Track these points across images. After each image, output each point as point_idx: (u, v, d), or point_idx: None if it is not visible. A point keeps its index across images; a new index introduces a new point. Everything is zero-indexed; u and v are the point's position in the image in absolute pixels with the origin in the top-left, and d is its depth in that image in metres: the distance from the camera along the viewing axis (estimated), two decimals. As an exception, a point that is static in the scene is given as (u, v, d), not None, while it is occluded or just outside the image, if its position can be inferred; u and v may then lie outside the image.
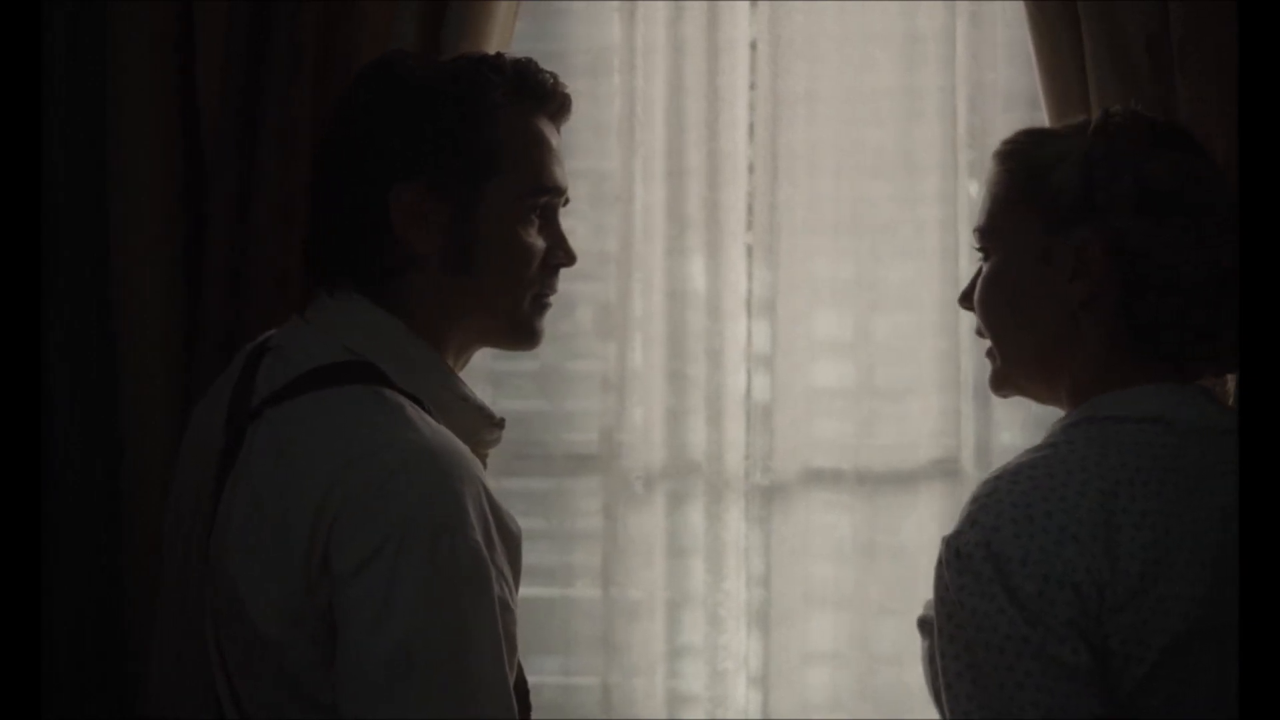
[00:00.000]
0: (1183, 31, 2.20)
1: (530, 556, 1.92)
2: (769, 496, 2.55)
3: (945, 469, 2.50)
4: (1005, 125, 2.34)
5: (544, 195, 1.97)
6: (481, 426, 1.96)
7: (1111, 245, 1.85)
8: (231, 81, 2.36)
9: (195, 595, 1.89)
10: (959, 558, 1.75)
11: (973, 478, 2.43)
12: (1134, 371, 1.86)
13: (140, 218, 2.38)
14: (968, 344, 2.45)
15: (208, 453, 1.90)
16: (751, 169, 2.56)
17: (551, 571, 2.61)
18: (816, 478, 2.54)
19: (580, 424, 2.62)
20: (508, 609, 1.79)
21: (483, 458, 1.94)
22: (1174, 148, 1.90)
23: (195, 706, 1.92)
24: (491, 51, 2.11)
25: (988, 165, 1.98)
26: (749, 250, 2.57)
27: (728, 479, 2.56)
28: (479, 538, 1.76)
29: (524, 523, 1.88)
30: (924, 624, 1.89)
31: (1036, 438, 1.92)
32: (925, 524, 2.50)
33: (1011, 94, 2.49)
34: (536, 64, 1.98)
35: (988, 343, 1.98)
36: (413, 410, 1.82)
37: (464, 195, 1.91)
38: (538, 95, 1.98)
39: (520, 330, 2.00)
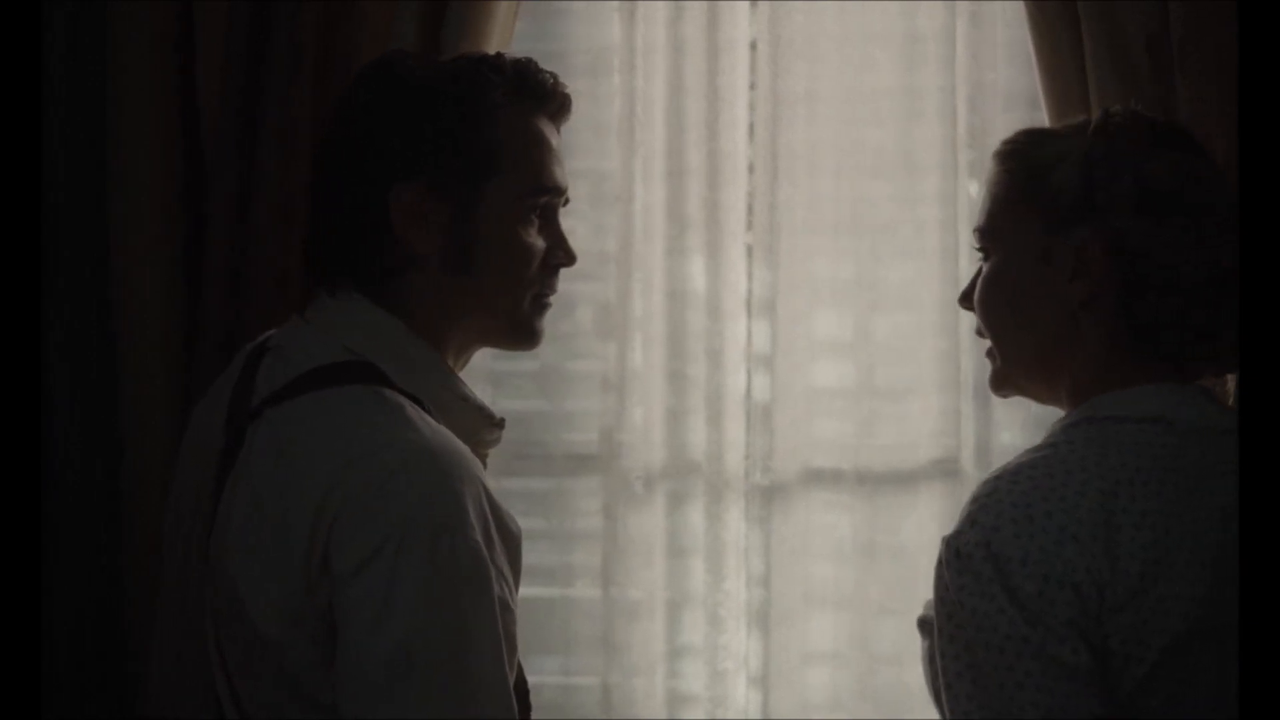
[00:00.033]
0: (1183, 31, 2.20)
1: (530, 556, 1.92)
2: (769, 496, 2.55)
3: (945, 469, 2.50)
4: (1005, 125, 2.34)
5: (544, 195, 1.97)
6: (481, 426, 1.96)
7: (1111, 245, 1.85)
8: (231, 81, 2.36)
9: (195, 595, 1.89)
10: (959, 558, 1.75)
11: (973, 478, 2.43)
12: (1134, 371, 1.86)
13: (140, 218, 2.38)
14: (968, 344, 2.45)
15: (208, 453, 1.90)
16: (751, 169, 2.56)
17: (551, 571, 2.61)
18: (816, 478, 2.54)
19: (580, 424, 2.62)
20: (508, 609, 1.79)
21: (483, 458, 1.94)
22: (1174, 148, 1.90)
23: (195, 706, 1.92)
24: (491, 51, 2.11)
25: (987, 165, 1.99)
26: (749, 250, 2.57)
27: (728, 479, 2.56)
28: (479, 538, 1.76)
29: (524, 523, 1.88)
30: (924, 624, 1.89)
31: (1036, 438, 1.92)
32: (925, 524, 2.50)
33: (1011, 94, 2.49)
34: (536, 64, 1.98)
35: (987, 343, 1.98)
36: (413, 410, 1.82)
37: (464, 195, 1.91)
38: (538, 95, 1.98)
39: (520, 330, 1.99)
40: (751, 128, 2.56)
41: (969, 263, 2.32)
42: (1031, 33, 2.31)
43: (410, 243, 1.90)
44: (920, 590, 1.91)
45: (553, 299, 2.02)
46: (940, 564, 1.78)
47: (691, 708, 2.59)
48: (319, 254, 1.97)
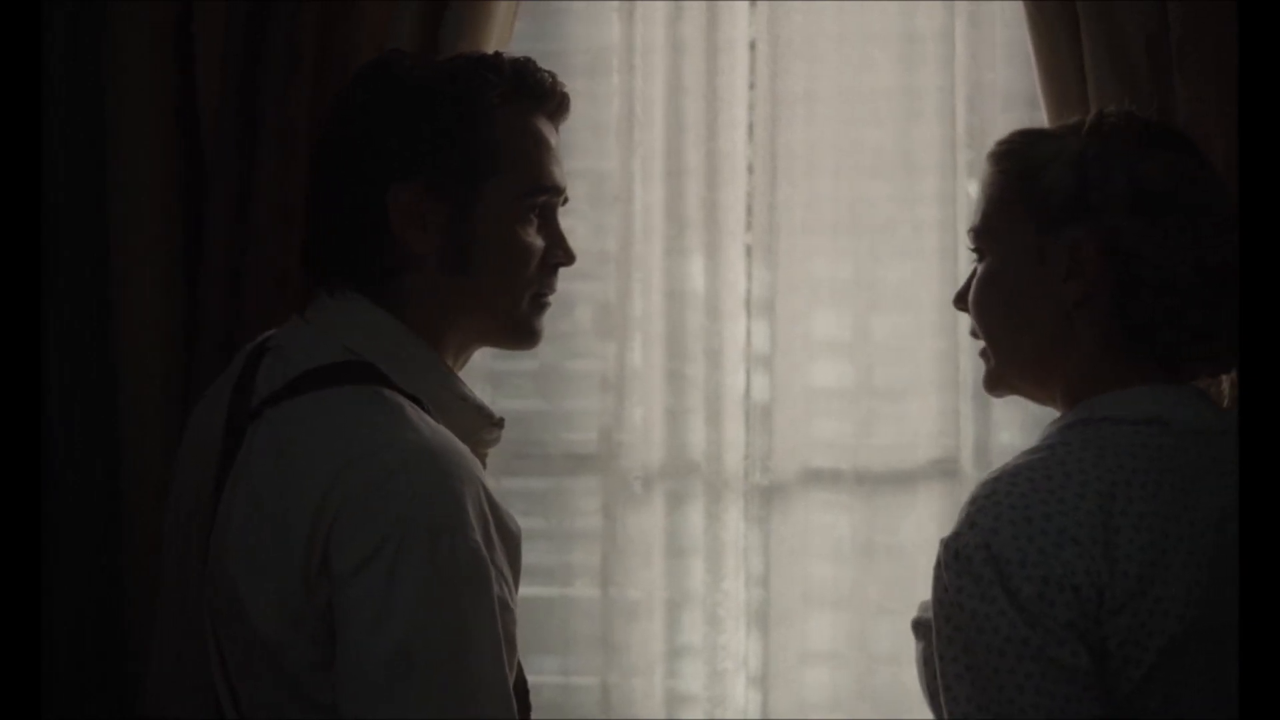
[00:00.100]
0: (1181, 31, 2.20)
1: (529, 556, 1.92)
2: (768, 496, 2.55)
3: (944, 469, 2.50)
4: (1004, 125, 2.34)
5: (542, 195, 1.97)
6: (481, 426, 1.96)
7: (1105, 245, 1.84)
8: (230, 82, 2.36)
9: (195, 595, 1.89)
10: (958, 560, 1.75)
11: (972, 478, 2.43)
12: (1129, 372, 1.86)
13: (140, 218, 2.38)
14: (966, 344, 2.44)
15: (207, 453, 1.90)
16: (750, 169, 2.56)
17: (550, 571, 2.61)
18: (815, 478, 2.54)
19: (579, 424, 2.62)
20: (507, 609, 1.79)
21: (482, 457, 1.94)
22: (1168, 148, 1.90)
23: (194, 707, 1.92)
24: (490, 51, 2.11)
25: (983, 165, 1.98)
26: (748, 250, 2.57)
27: (727, 479, 2.56)
28: (478, 538, 1.76)
29: (523, 522, 1.88)
30: (918, 626, 1.89)
31: (1035, 438, 1.92)
32: (924, 524, 2.50)
33: (1010, 94, 2.49)
34: (535, 63, 1.98)
35: (982, 343, 1.98)
36: (412, 410, 1.82)
37: (462, 195, 1.91)
38: (536, 95, 1.98)
39: (519, 330, 2.00)
40: (750, 128, 2.56)
41: (968, 263, 2.31)
42: (1030, 33, 2.31)
43: (409, 243, 1.90)
44: (919, 590, 1.91)
45: (552, 298, 2.02)
46: (939, 566, 1.78)
47: (690, 708, 2.59)
48: (318, 254, 1.97)
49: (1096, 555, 1.72)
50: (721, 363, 2.56)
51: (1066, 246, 1.86)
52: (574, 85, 2.06)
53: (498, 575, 1.78)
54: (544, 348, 2.11)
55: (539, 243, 1.97)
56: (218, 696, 1.86)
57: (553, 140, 1.99)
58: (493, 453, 2.03)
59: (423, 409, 1.85)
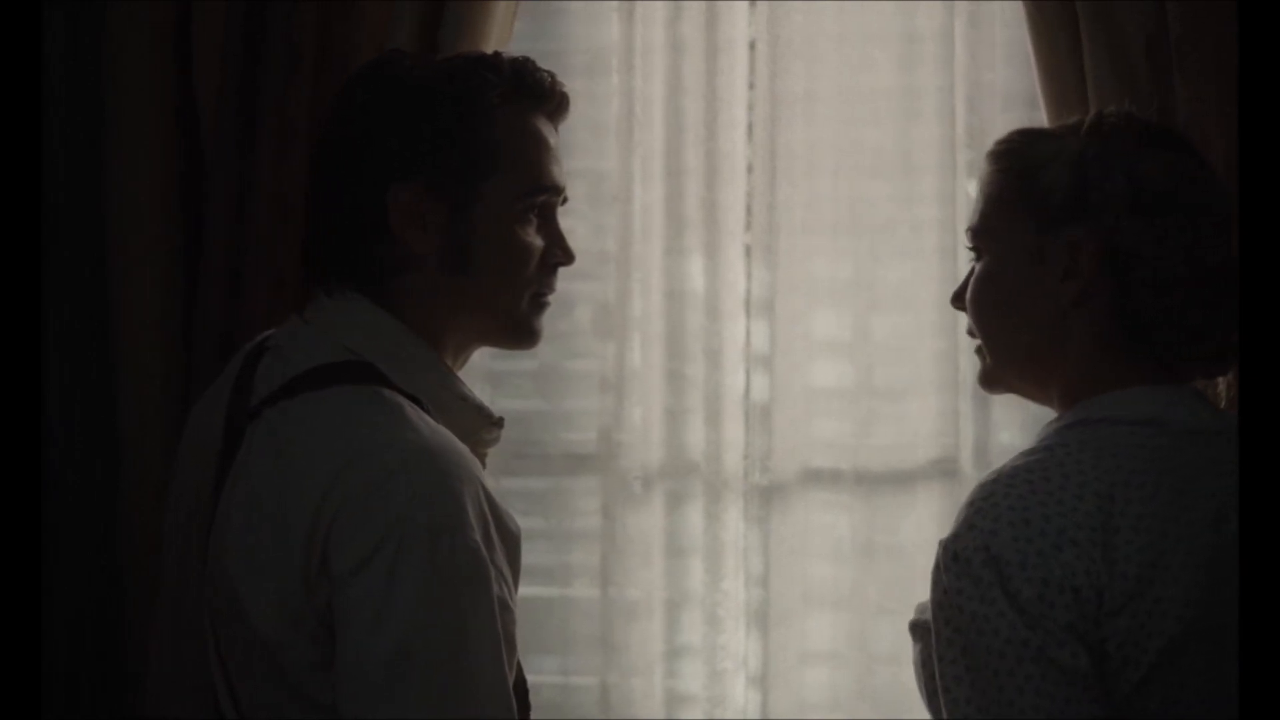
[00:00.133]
0: (1181, 31, 2.20)
1: (529, 556, 1.92)
2: (767, 496, 2.55)
3: (944, 469, 2.50)
4: (1004, 125, 2.34)
5: (542, 194, 1.96)
6: (480, 426, 1.96)
7: (1104, 244, 1.84)
8: (229, 82, 2.36)
9: (194, 595, 1.89)
10: (957, 561, 1.74)
11: (971, 478, 2.43)
12: (1126, 372, 1.86)
13: (139, 218, 2.38)
14: (966, 344, 2.42)
15: (207, 453, 1.90)
16: (750, 169, 2.56)
17: (550, 571, 2.61)
18: (815, 478, 2.54)
19: (579, 423, 2.62)
20: (507, 609, 1.79)
21: (482, 457, 1.94)
22: (1167, 148, 1.90)
23: (194, 706, 1.92)
24: (489, 51, 2.11)
25: (982, 164, 1.98)
26: (747, 250, 2.57)
27: (726, 479, 2.56)
28: (478, 538, 1.76)
29: (523, 522, 1.88)
30: (916, 628, 1.89)
31: (1035, 438, 1.92)
32: (924, 524, 2.50)
33: (1010, 94, 2.49)
34: (534, 63, 1.98)
35: (977, 341, 1.98)
36: (412, 410, 1.82)
37: (461, 195, 1.91)
38: (535, 94, 1.97)
39: (519, 329, 1.99)
40: (750, 128, 2.56)
41: (967, 263, 2.31)
42: (1030, 33, 2.31)
43: (408, 243, 1.90)
44: (919, 590, 1.91)
45: (551, 298, 2.02)
46: (938, 568, 1.77)
47: (690, 708, 2.59)
48: (317, 254, 1.96)
49: (1096, 557, 1.72)
50: (721, 363, 2.56)
51: (1065, 246, 1.86)
52: (573, 85, 2.05)
53: (497, 575, 1.77)
54: (543, 347, 2.11)
55: (538, 242, 1.96)
56: (217, 696, 1.86)
57: (552, 140, 1.99)
58: (492, 453, 2.02)
59: (422, 409, 1.85)
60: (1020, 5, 2.32)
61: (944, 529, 1.81)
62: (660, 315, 2.57)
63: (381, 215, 1.89)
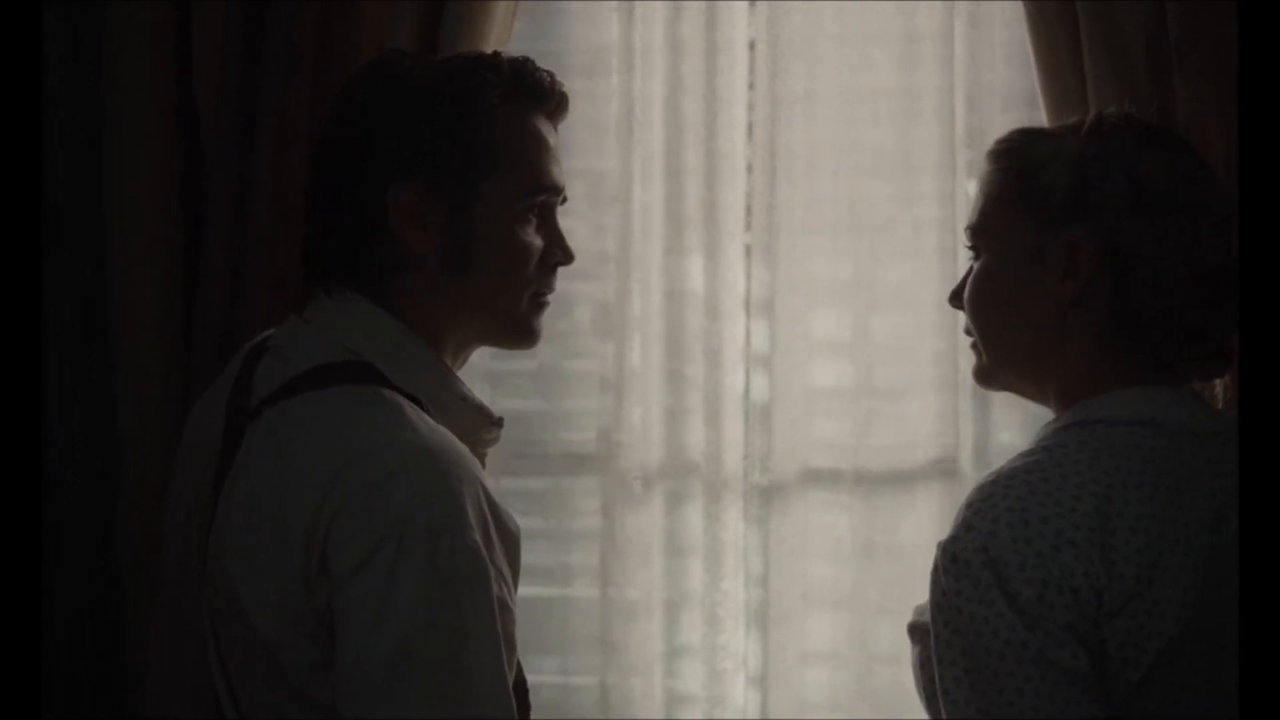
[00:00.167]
0: (1181, 32, 2.20)
1: (528, 556, 1.92)
2: (767, 496, 2.55)
3: (944, 469, 2.50)
4: (1003, 125, 2.34)
5: (541, 194, 1.96)
6: (480, 426, 1.96)
7: (1104, 244, 1.84)
8: (229, 82, 2.37)
9: (194, 595, 1.89)
10: (956, 563, 1.74)
11: (971, 478, 2.43)
12: (1124, 372, 1.86)
13: (139, 218, 2.38)
14: (966, 344, 2.41)
15: (207, 452, 1.90)
16: (750, 169, 2.56)
17: (550, 571, 2.61)
18: (815, 478, 2.54)
19: (578, 423, 2.62)
20: (506, 609, 1.79)
21: (481, 457, 1.94)
22: (1168, 148, 1.90)
23: (194, 707, 1.92)
24: (489, 51, 2.11)
25: (982, 164, 1.98)
26: (747, 250, 2.57)
27: (726, 479, 2.56)
28: (478, 538, 1.76)
29: (522, 522, 1.88)
30: (914, 630, 1.89)
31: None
32: (924, 524, 2.50)
33: (1010, 94, 2.49)
34: (533, 63, 1.98)
35: (973, 338, 1.98)
36: (411, 410, 1.82)
37: (461, 195, 1.91)
38: (535, 94, 1.97)
39: (518, 329, 1.99)
40: (750, 127, 2.56)
41: (967, 263, 2.32)
42: (1030, 33, 2.31)
43: (408, 243, 1.90)
44: (918, 590, 1.91)
45: (551, 298, 2.02)
46: (937, 570, 1.77)
47: (689, 708, 2.59)
48: (317, 254, 1.96)
49: (1094, 558, 1.72)
50: (721, 363, 2.56)
51: (1064, 246, 1.86)
52: (573, 85, 2.05)
53: (497, 575, 1.77)
54: (543, 347, 2.11)
55: (538, 242, 1.96)
56: (217, 697, 1.86)
57: (552, 140, 1.99)
58: (492, 452, 2.02)
59: (422, 409, 1.85)
60: (1020, 5, 2.32)
61: (944, 529, 1.81)
62: (660, 315, 2.57)
63: (381, 215, 1.89)
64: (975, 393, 2.47)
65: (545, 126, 1.99)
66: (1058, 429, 1.86)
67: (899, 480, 2.53)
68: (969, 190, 2.46)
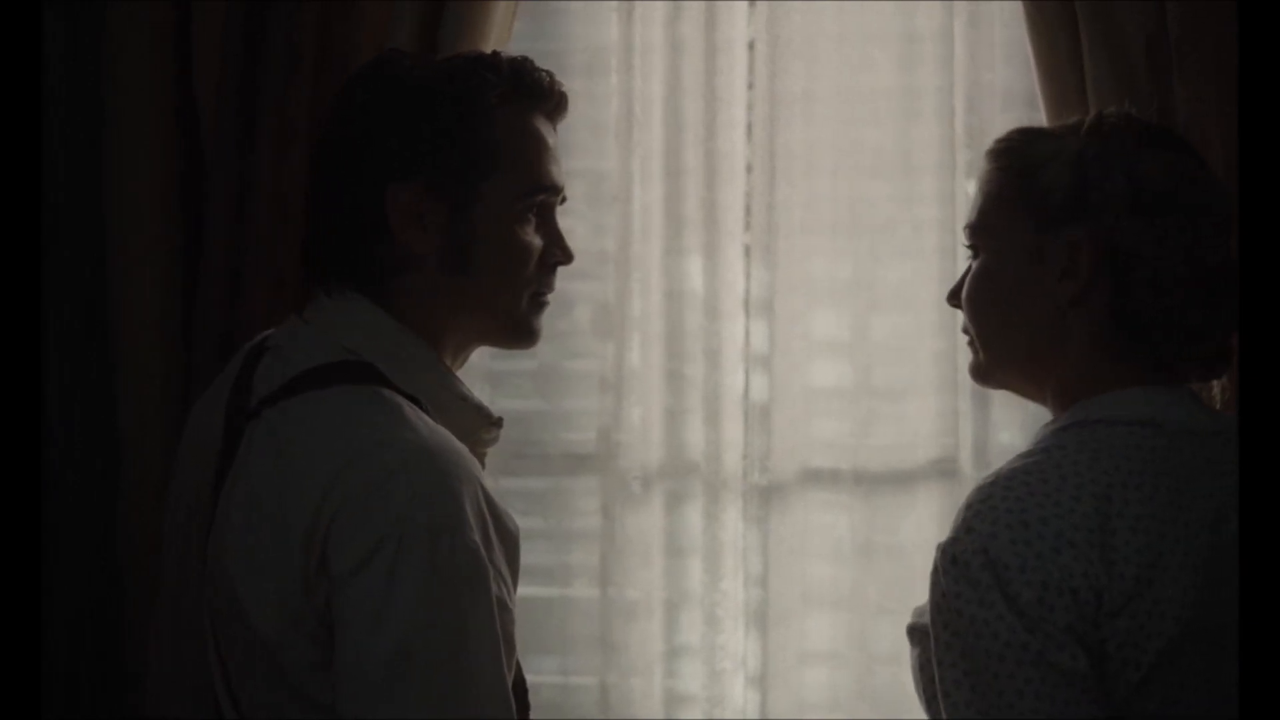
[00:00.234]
0: (1180, 32, 2.20)
1: (528, 556, 1.92)
2: (767, 496, 2.55)
3: (943, 469, 2.50)
4: (1003, 125, 2.33)
5: (541, 194, 1.96)
6: (480, 426, 1.96)
7: (1103, 244, 1.84)
8: (230, 81, 2.36)
9: (194, 595, 1.89)
10: (955, 565, 1.74)
11: (971, 478, 2.43)
12: (1123, 372, 1.86)
13: (139, 218, 2.38)
14: (965, 344, 2.44)
15: (206, 452, 1.90)
16: (749, 169, 2.56)
17: (549, 571, 2.61)
18: (814, 478, 2.54)
19: (578, 423, 2.62)
20: (506, 609, 1.79)
21: (481, 457, 1.94)
22: (1167, 149, 1.90)
23: (194, 707, 1.92)
24: (489, 51, 2.11)
25: (981, 163, 1.98)
26: (747, 250, 2.57)
27: (725, 479, 2.56)
28: (477, 538, 1.76)
29: (522, 522, 1.88)
30: (913, 632, 1.89)
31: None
32: (923, 524, 2.50)
33: (1009, 94, 2.49)
34: (532, 62, 1.98)
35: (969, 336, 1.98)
36: (411, 410, 1.82)
37: (461, 195, 1.91)
38: (534, 94, 1.97)
39: (518, 329, 1.99)
40: (749, 127, 2.56)
41: (967, 263, 2.32)
42: (1029, 33, 2.31)
43: (408, 243, 1.90)
44: (918, 590, 1.91)
45: (550, 297, 2.02)
46: (936, 571, 1.77)
47: (689, 708, 2.59)
48: (317, 254, 1.96)
49: (1094, 558, 1.72)
50: (720, 363, 2.56)
51: (1064, 245, 1.86)
52: (572, 85, 2.05)
53: (496, 575, 1.77)
54: (543, 347, 2.11)
55: (537, 242, 1.96)
56: (217, 697, 1.86)
57: (551, 140, 1.99)
58: (491, 453, 2.02)
59: (421, 409, 1.85)
60: (1020, 5, 2.32)
61: (943, 529, 1.81)
62: (659, 315, 2.57)
63: (381, 215, 1.89)
64: (975, 393, 2.47)
65: (544, 126, 1.99)
66: (1057, 429, 1.86)
67: (899, 480, 2.53)
68: (969, 190, 2.46)
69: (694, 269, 2.57)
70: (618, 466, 2.57)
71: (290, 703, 1.79)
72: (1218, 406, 2.13)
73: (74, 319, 2.42)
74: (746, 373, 2.58)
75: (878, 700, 2.52)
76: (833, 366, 2.58)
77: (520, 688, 1.88)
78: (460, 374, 1.99)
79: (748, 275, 2.58)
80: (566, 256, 2.01)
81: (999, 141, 1.96)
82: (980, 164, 1.99)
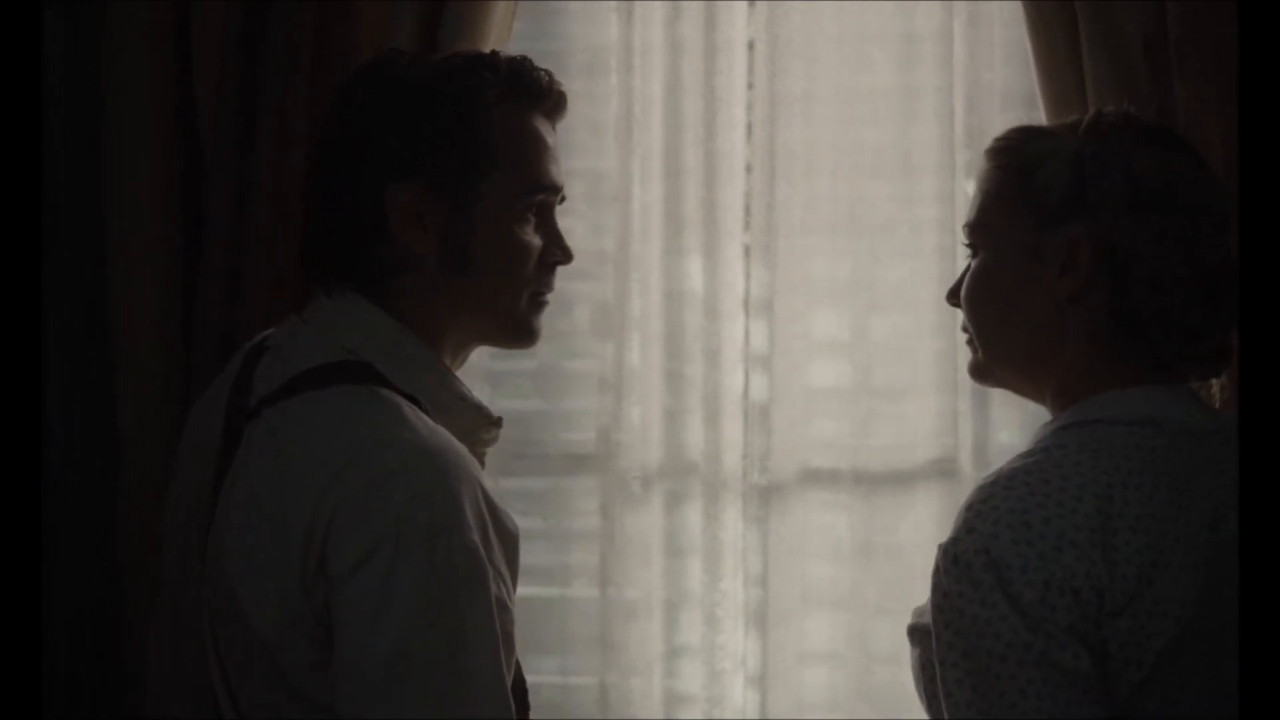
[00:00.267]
0: (1180, 32, 2.20)
1: (528, 556, 1.92)
2: (766, 496, 2.55)
3: (943, 469, 2.51)
4: (1002, 125, 2.32)
5: (540, 193, 1.96)
6: (479, 425, 1.96)
7: (1102, 242, 1.84)
8: (229, 81, 2.36)
9: (194, 595, 1.89)
10: (957, 565, 1.74)
11: (970, 478, 2.43)
12: (1122, 371, 1.86)
13: (138, 218, 2.38)
14: (965, 344, 2.44)
15: (206, 452, 1.90)
16: (749, 169, 2.56)
17: (549, 571, 2.61)
18: (814, 477, 2.54)
19: (578, 423, 2.62)
20: (505, 609, 1.79)
21: (480, 457, 1.94)
22: (1166, 148, 1.90)
23: (194, 707, 1.92)
24: (488, 50, 2.11)
25: (979, 161, 1.98)
26: (746, 250, 2.57)
27: (725, 479, 2.56)
28: (476, 538, 1.75)
29: (521, 522, 1.88)
30: (914, 632, 1.89)
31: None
32: (923, 524, 2.50)
33: (1009, 94, 2.49)
34: (531, 61, 1.98)
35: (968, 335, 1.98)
36: (410, 410, 1.82)
37: (461, 194, 1.91)
38: (533, 93, 1.97)
39: (518, 329, 1.99)
40: (749, 127, 2.56)
41: (966, 262, 2.32)
42: (1029, 33, 2.31)
43: (408, 243, 1.90)
44: (917, 590, 1.91)
45: (550, 297, 2.02)
46: (938, 572, 1.77)
47: (689, 708, 2.59)
48: (316, 254, 1.96)
49: (1096, 558, 1.72)
50: (720, 363, 2.56)
51: (1063, 243, 1.86)
52: (572, 85, 2.06)
53: (495, 575, 1.77)
54: (542, 347, 2.11)
55: (537, 241, 1.96)
56: (216, 697, 1.86)
57: (550, 139, 1.99)
58: (491, 453, 2.02)
59: (420, 409, 1.84)
60: (1019, 5, 2.32)
61: (943, 529, 1.81)
62: (659, 315, 2.57)
63: (381, 215, 1.89)
64: (974, 393, 2.47)
65: (543, 125, 1.99)
66: (1056, 429, 1.86)
67: (898, 480, 2.53)
68: (968, 190, 2.45)
69: (694, 269, 2.57)
70: (617, 466, 2.57)
71: (289, 703, 1.79)
72: (1217, 404, 2.12)
73: (74, 319, 2.42)
74: (746, 373, 2.58)
75: (877, 700, 2.52)
76: (832, 366, 2.57)
77: (520, 688, 1.88)
78: (460, 374, 1.99)
79: (747, 275, 2.57)
80: (566, 256, 2.01)
81: (997, 140, 1.96)
82: (979, 162, 1.99)
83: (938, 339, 2.50)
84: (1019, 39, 2.38)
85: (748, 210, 2.56)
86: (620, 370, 2.57)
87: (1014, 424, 2.49)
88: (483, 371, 2.54)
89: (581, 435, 2.62)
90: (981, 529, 1.74)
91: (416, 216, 1.89)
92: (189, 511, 1.93)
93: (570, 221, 2.15)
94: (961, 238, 2.00)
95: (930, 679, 1.83)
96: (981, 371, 1.97)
